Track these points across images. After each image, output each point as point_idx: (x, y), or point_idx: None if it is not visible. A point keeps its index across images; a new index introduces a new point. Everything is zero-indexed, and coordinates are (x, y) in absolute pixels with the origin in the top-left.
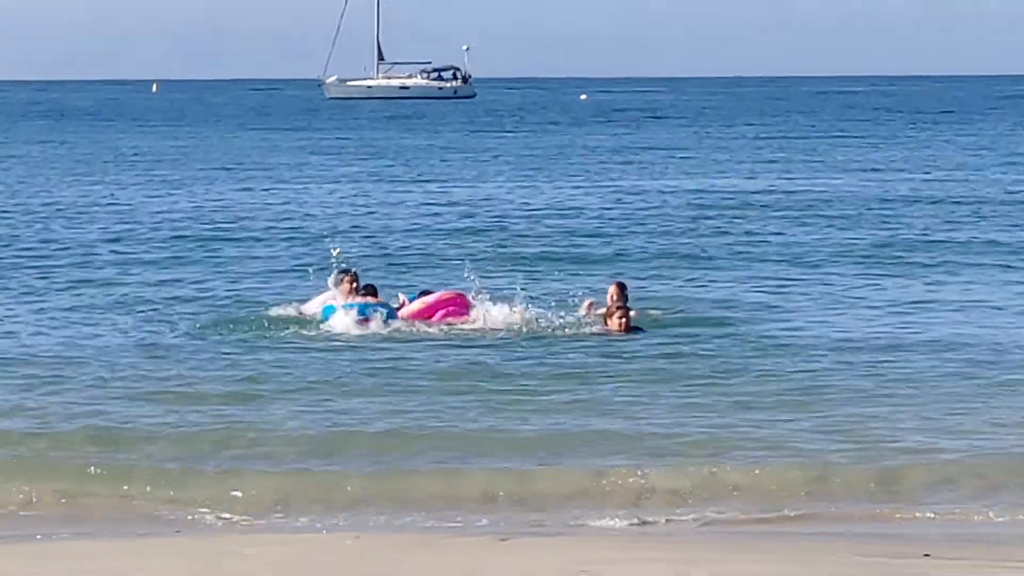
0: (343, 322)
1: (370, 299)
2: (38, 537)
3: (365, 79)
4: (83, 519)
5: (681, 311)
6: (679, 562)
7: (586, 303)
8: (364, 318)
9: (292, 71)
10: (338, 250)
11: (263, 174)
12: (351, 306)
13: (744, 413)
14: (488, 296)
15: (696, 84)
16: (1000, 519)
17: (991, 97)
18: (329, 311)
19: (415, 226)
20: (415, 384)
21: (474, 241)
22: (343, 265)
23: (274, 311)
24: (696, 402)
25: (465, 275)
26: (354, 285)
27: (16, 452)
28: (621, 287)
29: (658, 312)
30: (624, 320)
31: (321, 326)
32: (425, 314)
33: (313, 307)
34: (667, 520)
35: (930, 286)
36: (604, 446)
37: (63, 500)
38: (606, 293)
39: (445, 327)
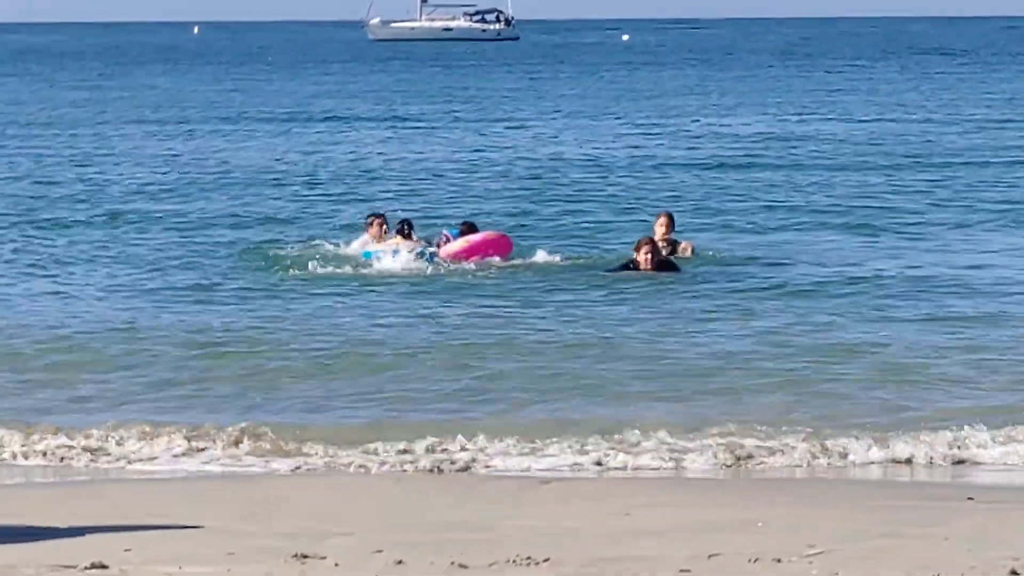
0: (382, 265)
1: (405, 242)
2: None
3: (408, 21)
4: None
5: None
6: (715, 505)
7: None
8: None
9: (334, 12)
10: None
11: (333, 121)
12: (376, 254)
13: (777, 361)
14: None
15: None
16: None
17: None
18: (368, 256)
19: (470, 167)
20: (447, 331)
21: (527, 183)
22: (375, 209)
23: (316, 250)
24: (726, 348)
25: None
26: (384, 228)
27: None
28: (669, 218)
29: (712, 253)
30: (650, 256)
31: (361, 270)
32: (467, 254)
33: (354, 248)
34: (699, 466)
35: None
36: (624, 393)
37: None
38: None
39: (484, 268)
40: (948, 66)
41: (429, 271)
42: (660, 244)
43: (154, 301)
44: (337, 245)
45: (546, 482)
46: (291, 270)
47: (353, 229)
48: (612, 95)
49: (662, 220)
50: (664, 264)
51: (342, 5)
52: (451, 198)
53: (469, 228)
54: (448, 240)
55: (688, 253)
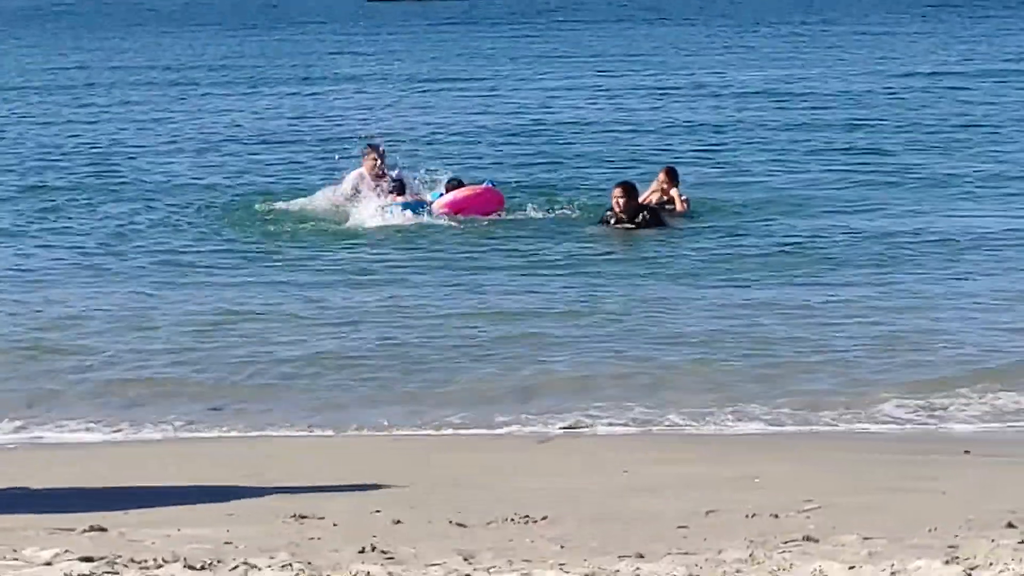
0: (369, 217)
1: (399, 199)
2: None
3: None
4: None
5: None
6: (712, 461)
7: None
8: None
9: None
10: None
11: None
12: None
13: (768, 318)
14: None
15: None
16: None
17: None
18: (407, 208)
19: (465, 127)
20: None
21: (521, 141)
22: (372, 140)
23: (302, 203)
24: (716, 303)
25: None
26: (378, 162)
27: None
28: (669, 173)
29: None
30: (623, 200)
31: (348, 223)
32: (458, 207)
33: (344, 190)
34: (699, 423)
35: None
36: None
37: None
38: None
39: (473, 221)
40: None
41: (424, 220)
42: (661, 198)
43: (155, 263)
44: (321, 190)
45: (544, 440)
46: (281, 226)
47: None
48: (609, 49)
49: (662, 176)
50: (652, 218)
51: None
52: (446, 157)
53: (457, 186)
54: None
55: (680, 207)
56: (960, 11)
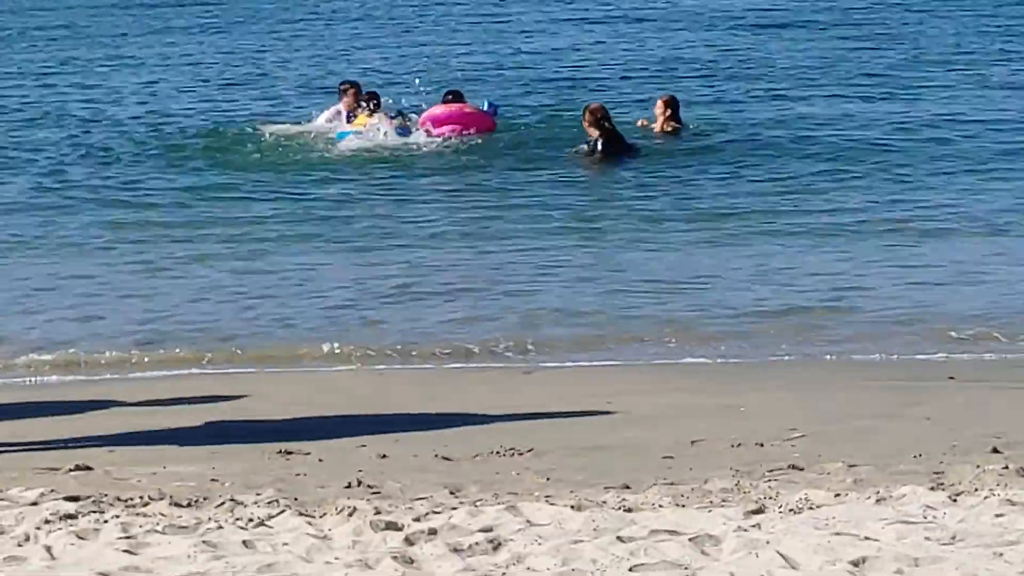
0: (352, 143)
1: (372, 119)
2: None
3: None
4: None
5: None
6: (697, 391)
7: (638, 122)
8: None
9: None
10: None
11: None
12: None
13: (745, 248)
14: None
15: None
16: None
17: None
18: (342, 136)
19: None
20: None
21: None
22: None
23: (279, 129)
24: (692, 239)
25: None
26: (357, 97)
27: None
28: (665, 103)
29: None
30: (596, 117)
31: (334, 147)
32: (445, 123)
33: (320, 121)
34: (683, 354)
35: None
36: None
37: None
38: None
39: (456, 144)
40: None
41: (402, 142)
42: (664, 128)
43: (126, 194)
44: (299, 123)
45: (528, 371)
46: (259, 154)
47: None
48: None
49: (660, 104)
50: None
51: None
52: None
53: (455, 97)
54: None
55: (662, 128)
56: None
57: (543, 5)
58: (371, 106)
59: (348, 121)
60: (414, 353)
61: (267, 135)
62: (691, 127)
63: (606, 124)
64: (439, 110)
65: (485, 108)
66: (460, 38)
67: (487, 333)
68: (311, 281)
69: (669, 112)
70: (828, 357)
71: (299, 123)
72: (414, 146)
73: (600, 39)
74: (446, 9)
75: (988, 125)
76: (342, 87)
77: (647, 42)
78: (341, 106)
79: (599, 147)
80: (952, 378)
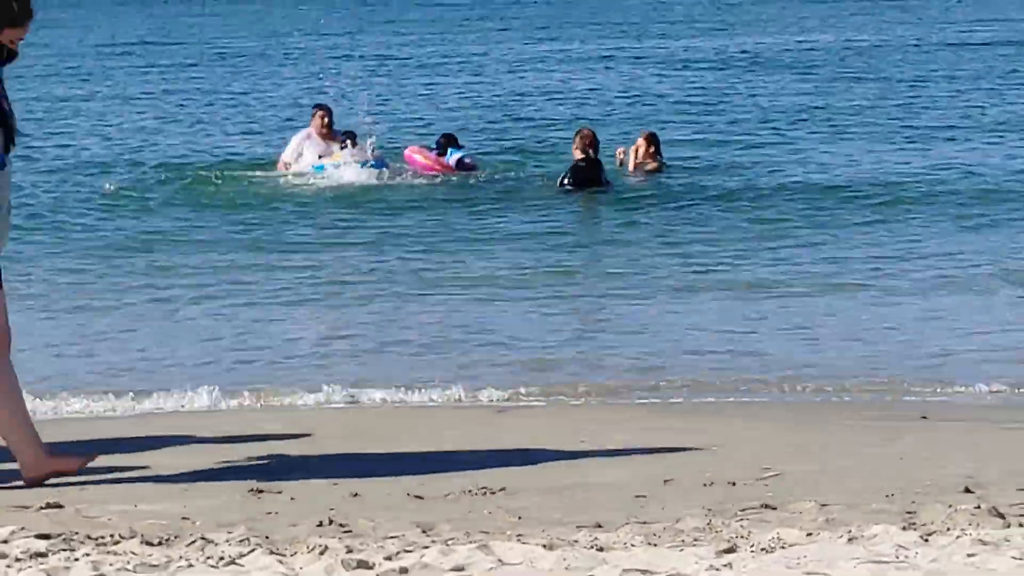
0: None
1: (351, 152)
2: None
3: None
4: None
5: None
6: (670, 430)
7: (619, 151)
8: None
9: None
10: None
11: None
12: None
13: (721, 290)
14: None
15: None
16: (996, 392)
17: None
18: (319, 169)
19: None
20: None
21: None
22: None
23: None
24: (668, 280)
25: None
26: (326, 120)
27: None
28: (648, 139)
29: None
30: (585, 144)
31: (310, 183)
32: (418, 167)
33: (290, 151)
34: (657, 394)
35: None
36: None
37: None
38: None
39: (436, 180)
40: None
41: (377, 179)
42: (642, 163)
43: (99, 233)
44: (269, 158)
45: (501, 410)
46: (232, 192)
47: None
48: (573, 19)
49: (641, 141)
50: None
51: None
52: (413, 124)
53: (448, 140)
54: (422, 151)
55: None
56: None
57: (525, 45)
58: (349, 144)
59: (321, 152)
60: (387, 392)
61: (238, 172)
62: (671, 165)
63: (589, 152)
64: (419, 157)
65: (465, 160)
66: (442, 76)
67: (461, 372)
68: (281, 322)
69: (652, 149)
70: (802, 396)
71: (264, 158)
72: (389, 181)
73: (583, 77)
74: (433, 49)
75: (972, 170)
76: (313, 110)
77: (632, 80)
78: (311, 129)
79: (567, 178)
80: (925, 417)
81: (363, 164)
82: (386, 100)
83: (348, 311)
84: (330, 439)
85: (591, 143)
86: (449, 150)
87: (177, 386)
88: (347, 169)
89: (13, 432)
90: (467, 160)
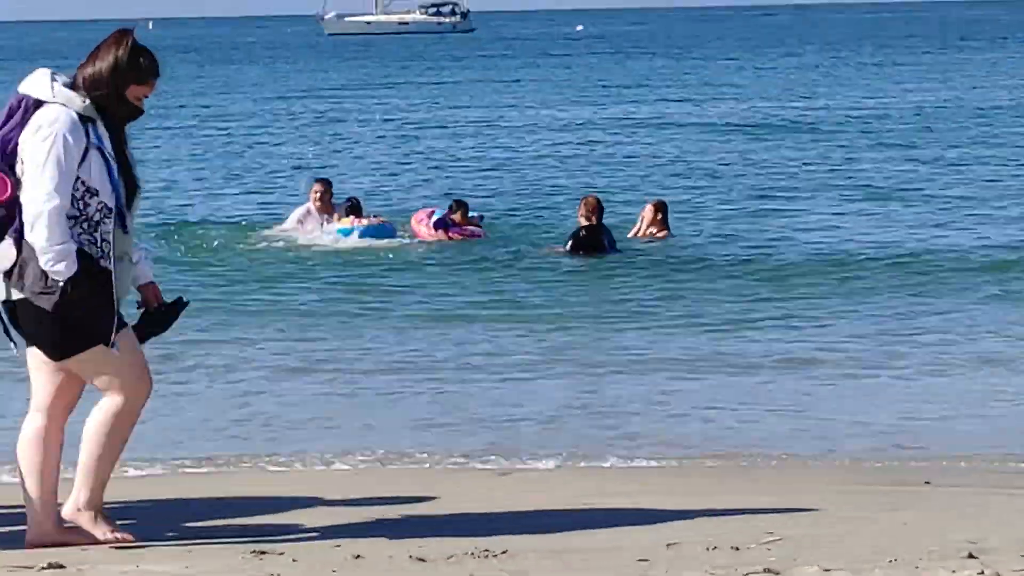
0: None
1: (357, 220)
2: None
3: (364, 15)
4: None
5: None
6: (673, 493)
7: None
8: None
9: (288, 7)
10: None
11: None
12: (347, 232)
13: (726, 358)
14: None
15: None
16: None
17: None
18: (346, 233)
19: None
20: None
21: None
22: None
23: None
24: (673, 345)
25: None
26: (322, 195)
27: None
28: (656, 207)
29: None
30: (594, 213)
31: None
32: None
33: (290, 223)
34: (655, 459)
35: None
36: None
37: None
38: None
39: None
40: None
41: (386, 244)
42: (653, 233)
43: None
44: (269, 227)
45: (504, 473)
46: (245, 258)
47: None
48: (574, 83)
49: (649, 209)
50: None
51: (298, 0)
52: (418, 187)
53: (460, 206)
54: (431, 215)
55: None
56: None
57: (536, 109)
58: (353, 212)
59: (323, 222)
60: (389, 454)
61: (245, 239)
62: (679, 234)
63: (592, 219)
64: (424, 229)
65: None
66: (453, 140)
67: (464, 436)
68: (285, 381)
69: (659, 217)
70: (805, 461)
71: (269, 227)
72: (400, 248)
73: (592, 143)
74: (445, 115)
75: (983, 240)
76: (312, 184)
77: (640, 146)
78: (310, 205)
79: (569, 243)
80: (928, 483)
81: (363, 232)
82: (397, 163)
83: (350, 376)
84: (332, 500)
85: (595, 210)
86: (452, 218)
87: (176, 447)
88: (352, 235)
89: (36, 488)
90: (468, 228)
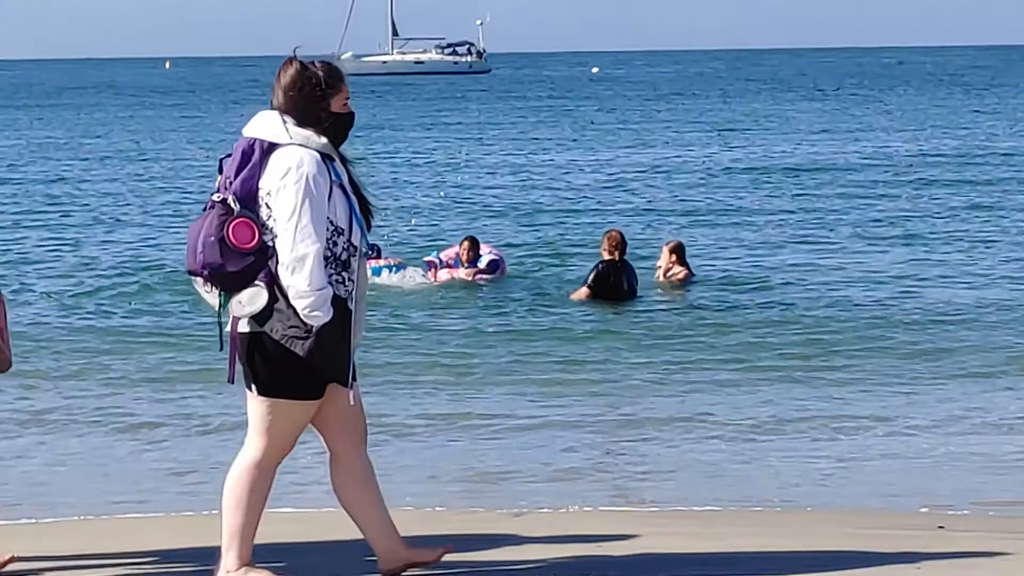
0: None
1: (372, 263)
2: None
3: (380, 55)
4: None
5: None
6: (687, 536)
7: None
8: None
9: (306, 48)
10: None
11: None
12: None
13: (743, 397)
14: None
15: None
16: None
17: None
18: (377, 272)
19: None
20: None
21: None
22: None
23: None
24: (690, 386)
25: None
26: None
27: None
28: (673, 249)
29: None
30: (617, 250)
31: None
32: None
33: None
34: (669, 501)
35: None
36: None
37: None
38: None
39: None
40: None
41: (406, 281)
42: (671, 275)
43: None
44: None
45: (518, 515)
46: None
47: None
48: (587, 125)
49: (666, 251)
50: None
51: (313, 40)
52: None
53: (471, 242)
54: (441, 261)
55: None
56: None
57: (554, 152)
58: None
59: None
60: (400, 496)
61: None
62: (698, 275)
63: (615, 254)
64: (444, 274)
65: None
66: (475, 178)
67: (477, 476)
68: None
69: (675, 258)
70: (817, 506)
71: None
72: (407, 284)
73: (610, 184)
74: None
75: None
76: None
77: (657, 189)
78: None
79: (590, 280)
80: (942, 527)
81: (376, 271)
82: (420, 202)
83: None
84: (343, 542)
85: (617, 244)
86: (471, 257)
87: (194, 488)
88: (399, 272)
89: (369, 519)
90: (485, 267)
